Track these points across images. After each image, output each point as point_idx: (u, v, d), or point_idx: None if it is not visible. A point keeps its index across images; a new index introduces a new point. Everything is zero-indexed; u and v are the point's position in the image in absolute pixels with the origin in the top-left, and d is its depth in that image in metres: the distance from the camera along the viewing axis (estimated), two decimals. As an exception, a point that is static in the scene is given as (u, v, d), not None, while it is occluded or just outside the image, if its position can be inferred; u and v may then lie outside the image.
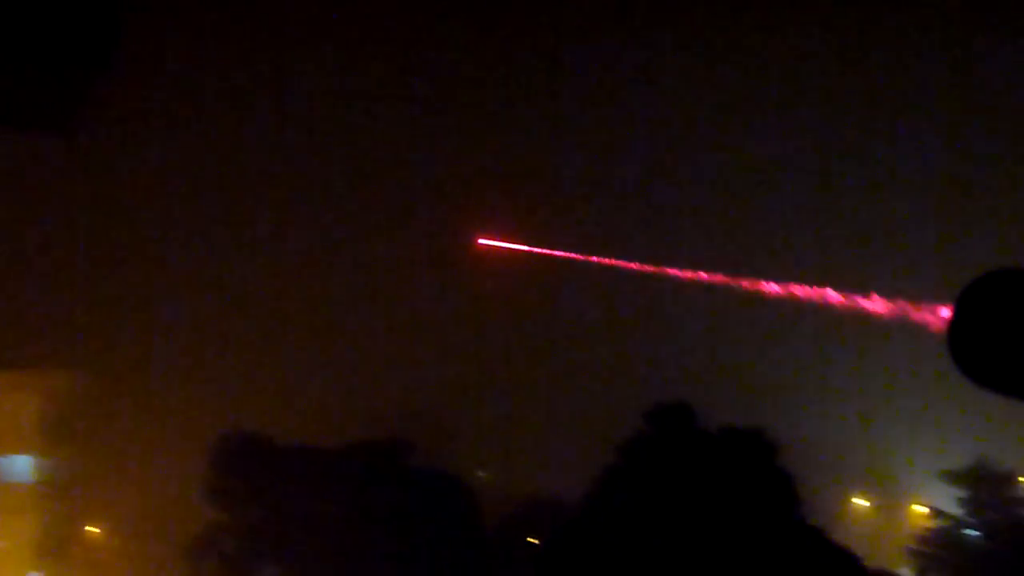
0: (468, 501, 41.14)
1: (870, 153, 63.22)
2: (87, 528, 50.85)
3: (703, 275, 57.97)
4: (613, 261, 60.16)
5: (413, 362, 55.04)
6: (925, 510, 47.78)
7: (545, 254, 61.25)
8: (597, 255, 60.25)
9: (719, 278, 58.08)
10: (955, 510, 43.71)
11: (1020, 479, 45.60)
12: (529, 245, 61.38)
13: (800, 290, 57.12)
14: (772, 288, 57.41)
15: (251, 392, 48.78)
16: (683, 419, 29.74)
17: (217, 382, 49.94)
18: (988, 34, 55.34)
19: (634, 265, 59.61)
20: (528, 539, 41.12)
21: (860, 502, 59.07)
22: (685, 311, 58.85)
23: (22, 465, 48.30)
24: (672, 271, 58.61)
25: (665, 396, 31.96)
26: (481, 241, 60.72)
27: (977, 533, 43.20)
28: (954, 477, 43.71)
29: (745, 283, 57.52)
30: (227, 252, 57.39)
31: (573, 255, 60.91)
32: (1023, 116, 60.24)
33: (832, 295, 56.41)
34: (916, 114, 60.51)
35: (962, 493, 43.48)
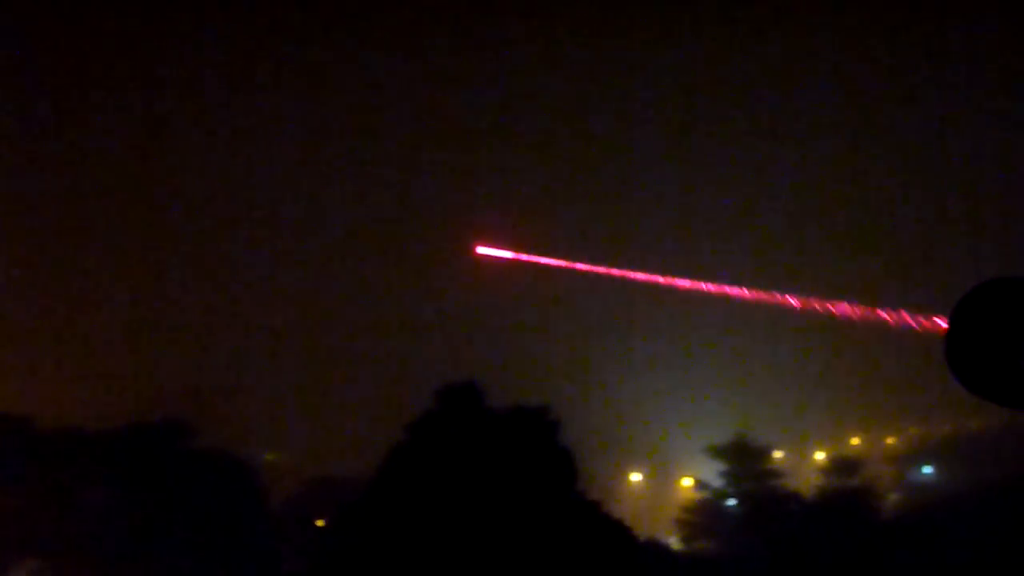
0: (252, 483, 39.92)
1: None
2: None
3: (499, 255, 58.83)
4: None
5: (194, 341, 52.68)
6: (691, 482, 51.28)
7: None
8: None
9: (509, 258, 59.23)
10: (717, 482, 47.30)
11: (774, 453, 50.08)
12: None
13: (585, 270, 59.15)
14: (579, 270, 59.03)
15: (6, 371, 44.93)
16: (470, 398, 30.31)
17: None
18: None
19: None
20: (316, 521, 40.57)
21: (634, 476, 62.69)
22: (474, 294, 59.78)
23: None
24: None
25: (455, 377, 32.47)
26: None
27: (736, 502, 46.96)
28: (717, 452, 47.22)
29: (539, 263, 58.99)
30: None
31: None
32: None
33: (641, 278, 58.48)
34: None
35: (724, 466, 47.11)
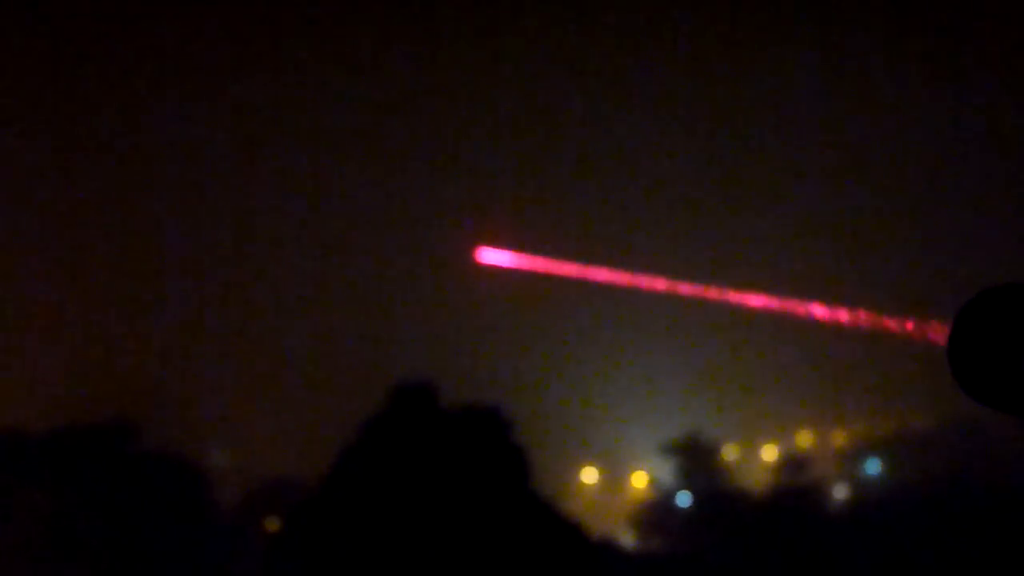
0: (200, 484, 39.24)
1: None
2: None
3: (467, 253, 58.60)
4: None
5: (139, 339, 51.55)
6: (644, 480, 51.66)
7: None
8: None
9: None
10: (668, 479, 47.71)
11: (724, 451, 50.67)
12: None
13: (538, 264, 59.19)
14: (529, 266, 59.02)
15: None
16: (423, 397, 30.16)
17: None
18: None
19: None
20: (265, 523, 40.03)
21: (587, 474, 62.94)
22: (428, 290, 59.49)
23: None
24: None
25: (408, 375, 32.25)
26: None
27: (686, 499, 47.40)
28: (669, 448, 47.64)
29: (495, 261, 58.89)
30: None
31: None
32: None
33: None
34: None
35: (675, 464, 47.54)
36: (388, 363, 49.70)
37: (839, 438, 71.56)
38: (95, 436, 37.59)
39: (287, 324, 58.89)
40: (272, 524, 39.25)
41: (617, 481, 63.91)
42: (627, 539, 47.24)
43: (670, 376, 56.83)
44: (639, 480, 56.19)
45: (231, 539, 39.81)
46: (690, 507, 46.67)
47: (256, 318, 57.80)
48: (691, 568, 39.91)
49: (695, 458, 46.85)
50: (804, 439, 70.41)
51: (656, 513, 46.85)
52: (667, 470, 48.39)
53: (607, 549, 40.18)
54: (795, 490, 44.05)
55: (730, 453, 53.33)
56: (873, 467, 57.11)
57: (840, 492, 51.01)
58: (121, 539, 35.90)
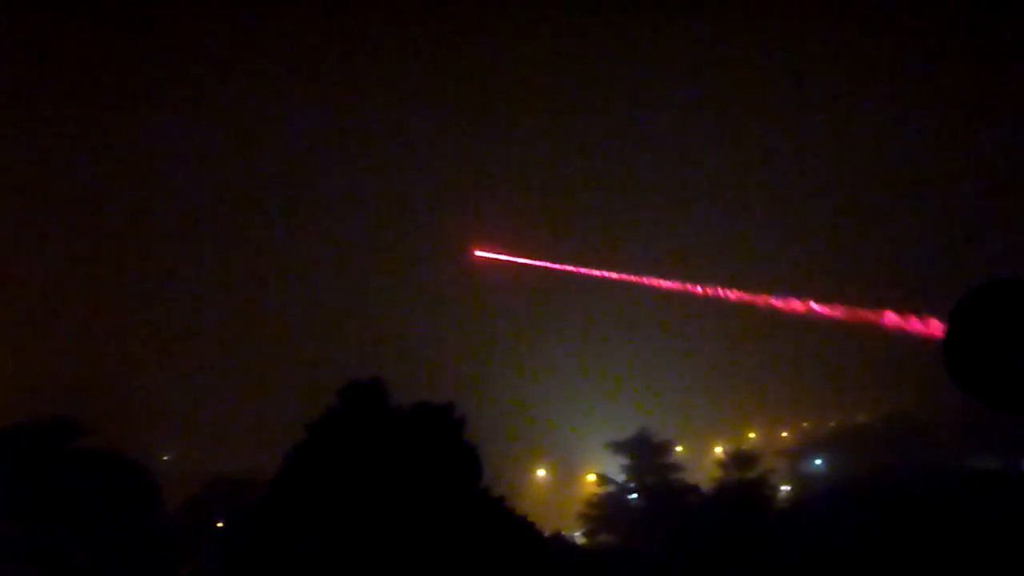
0: (148, 484, 38.72)
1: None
2: None
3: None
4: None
5: (86, 338, 50.82)
6: (595, 477, 52.21)
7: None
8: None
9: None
10: (619, 476, 48.31)
11: (675, 447, 51.44)
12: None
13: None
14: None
15: None
16: (374, 396, 30.09)
17: None
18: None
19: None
20: (216, 522, 39.64)
21: (540, 472, 63.42)
22: (379, 293, 59.50)
23: None
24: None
25: (360, 375, 32.15)
26: None
27: (637, 495, 48.05)
28: (619, 447, 48.22)
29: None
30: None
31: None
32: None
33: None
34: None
35: (626, 461, 48.14)
36: (338, 363, 49.62)
37: (786, 436, 73.01)
38: (40, 434, 36.89)
39: (234, 325, 58.47)
40: (220, 522, 38.94)
41: (569, 478, 64.51)
42: (578, 535, 47.74)
43: (622, 376, 57.30)
44: (590, 477, 56.79)
45: (180, 537, 39.41)
46: (640, 503, 47.29)
47: (203, 318, 57.25)
48: (641, 563, 40.41)
49: (646, 456, 47.47)
50: (752, 437, 71.70)
51: (606, 509, 47.38)
52: (617, 468, 48.99)
53: (559, 544, 40.49)
54: (743, 486, 44.77)
55: (680, 451, 54.17)
56: (816, 463, 58.49)
57: (785, 487, 52.10)
58: (67, 537, 35.30)
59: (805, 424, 71.92)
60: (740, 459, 48.75)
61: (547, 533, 38.31)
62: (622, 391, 57.01)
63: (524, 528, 33.18)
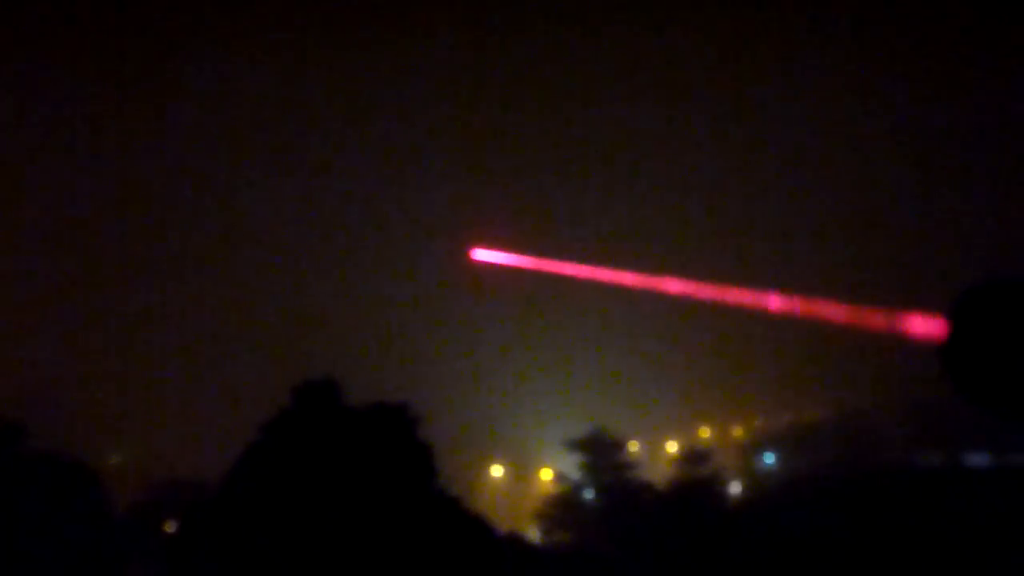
0: (93, 486, 37.84)
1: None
2: None
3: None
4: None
5: (32, 338, 49.54)
6: (550, 475, 52.30)
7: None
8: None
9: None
10: (575, 474, 48.42)
11: (629, 445, 51.69)
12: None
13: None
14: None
15: None
16: (328, 395, 29.73)
17: None
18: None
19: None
20: (164, 525, 39.04)
21: (495, 471, 63.34)
22: (335, 293, 59.00)
23: None
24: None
25: (313, 374, 31.75)
26: None
27: (593, 494, 48.23)
28: (575, 444, 48.33)
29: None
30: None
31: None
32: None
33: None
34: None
35: (581, 459, 48.26)
36: (289, 362, 49.03)
37: (738, 432, 73.85)
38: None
39: (184, 325, 57.40)
40: (169, 526, 38.33)
41: (525, 477, 64.53)
42: (534, 533, 47.77)
43: (577, 372, 57.43)
44: (546, 475, 56.87)
45: (128, 541, 38.66)
46: (595, 500, 47.50)
47: (151, 318, 56.14)
48: (597, 561, 40.54)
49: (600, 453, 47.66)
50: (705, 434, 72.40)
51: (562, 508, 47.47)
52: (573, 465, 49.12)
53: (514, 544, 40.42)
54: (696, 483, 45.21)
55: (634, 448, 54.46)
56: (768, 459, 59.31)
57: (738, 483, 52.72)
58: (12, 542, 34.39)
59: (758, 421, 72.85)
60: (693, 456, 49.24)
61: (502, 532, 38.21)
62: (578, 388, 57.13)
63: (478, 527, 33.05)
